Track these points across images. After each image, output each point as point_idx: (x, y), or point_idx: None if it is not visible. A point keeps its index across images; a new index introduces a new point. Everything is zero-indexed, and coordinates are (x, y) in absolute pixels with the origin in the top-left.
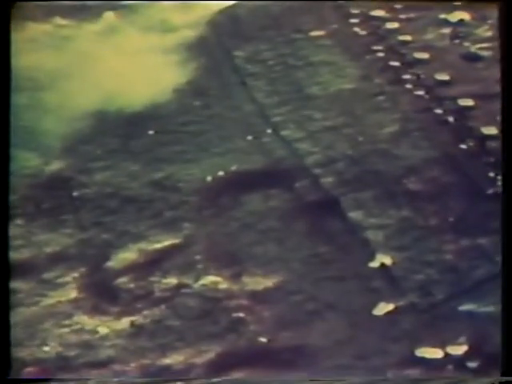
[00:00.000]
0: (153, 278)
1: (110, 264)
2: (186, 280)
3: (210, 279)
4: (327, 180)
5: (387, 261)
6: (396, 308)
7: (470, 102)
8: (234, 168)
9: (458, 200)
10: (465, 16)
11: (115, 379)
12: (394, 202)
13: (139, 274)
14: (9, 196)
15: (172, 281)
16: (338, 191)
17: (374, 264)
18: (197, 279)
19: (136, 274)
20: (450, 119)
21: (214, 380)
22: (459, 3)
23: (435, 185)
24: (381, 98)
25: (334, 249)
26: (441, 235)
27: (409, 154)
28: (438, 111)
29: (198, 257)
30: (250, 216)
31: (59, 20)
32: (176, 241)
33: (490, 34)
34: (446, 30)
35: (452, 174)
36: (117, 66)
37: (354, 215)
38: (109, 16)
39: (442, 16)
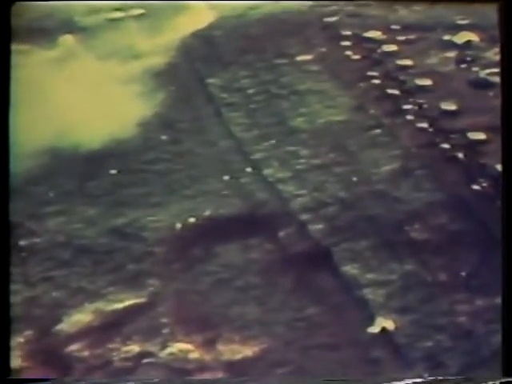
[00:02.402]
0: (111, 345)
1: (61, 327)
2: (151, 348)
3: (178, 347)
4: (316, 227)
5: (389, 325)
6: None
7: (481, 136)
8: (207, 213)
9: (471, 251)
10: (472, 37)
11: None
12: (395, 253)
13: (95, 339)
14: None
15: (134, 348)
16: (329, 241)
17: (374, 329)
18: (163, 347)
19: (91, 340)
20: (459, 155)
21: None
22: (465, 22)
23: (443, 233)
24: (377, 131)
25: (326, 310)
26: (452, 294)
27: (411, 196)
28: (445, 146)
29: (164, 320)
30: (227, 270)
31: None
32: (139, 300)
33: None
34: (451, 53)
35: (463, 221)
36: (73, 96)
37: (349, 270)
38: (66, 40)
39: (447, 37)
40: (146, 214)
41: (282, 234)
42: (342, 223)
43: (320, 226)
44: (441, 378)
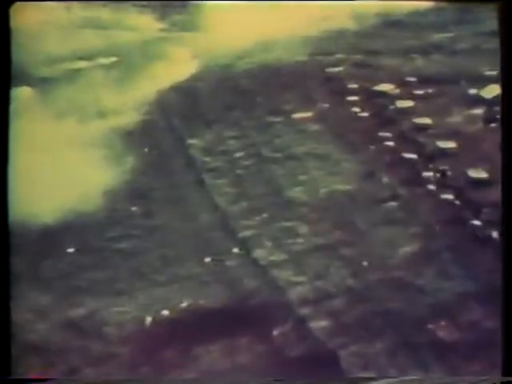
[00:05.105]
0: None
1: None
2: None
3: None
4: (319, 325)
5: None
6: None
7: None
8: (184, 305)
9: None
10: None
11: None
12: (417, 358)
13: None
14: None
15: None
16: (335, 342)
17: None
18: None
19: None
20: (493, 234)
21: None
22: (494, 73)
23: (477, 332)
24: (392, 204)
25: None
26: None
27: (436, 286)
28: (475, 223)
29: None
30: (209, 378)
31: None
32: None
33: None
34: (479, 110)
35: (500, 316)
36: (26, 161)
37: None
38: (21, 93)
39: (472, 91)
40: (108, 305)
41: (276, 332)
42: (350, 319)
43: (323, 323)
44: (442, 377)
